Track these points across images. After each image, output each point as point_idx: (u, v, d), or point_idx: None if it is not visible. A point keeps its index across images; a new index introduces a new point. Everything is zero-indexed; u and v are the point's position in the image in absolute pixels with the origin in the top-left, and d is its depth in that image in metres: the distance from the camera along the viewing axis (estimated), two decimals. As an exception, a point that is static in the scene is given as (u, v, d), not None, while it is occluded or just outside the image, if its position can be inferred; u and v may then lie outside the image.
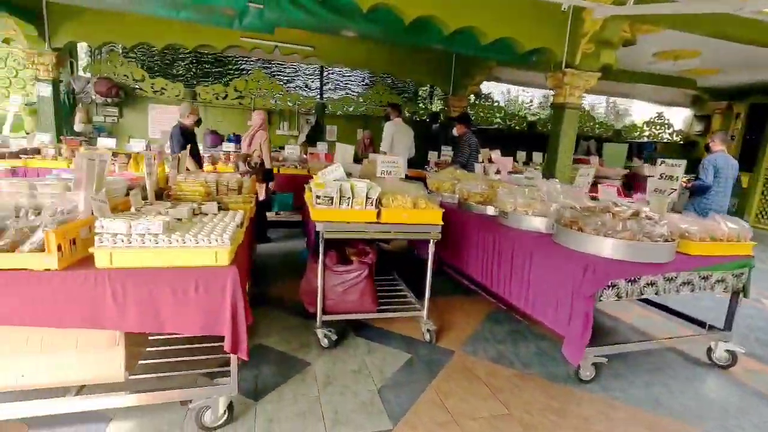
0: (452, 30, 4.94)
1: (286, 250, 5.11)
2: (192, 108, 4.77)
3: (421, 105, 10.84)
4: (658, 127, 11.80)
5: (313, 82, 10.13)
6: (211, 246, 1.84)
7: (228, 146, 6.65)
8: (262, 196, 4.76)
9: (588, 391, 2.57)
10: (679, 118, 11.88)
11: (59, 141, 6.42)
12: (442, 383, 2.54)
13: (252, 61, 9.71)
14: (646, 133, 11.87)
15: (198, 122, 4.97)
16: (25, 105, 7.08)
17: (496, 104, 10.62)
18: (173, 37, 7.52)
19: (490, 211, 3.61)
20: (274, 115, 9.39)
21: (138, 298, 1.77)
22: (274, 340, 2.91)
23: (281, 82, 9.56)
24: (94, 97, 7.92)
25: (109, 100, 8.04)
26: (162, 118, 8.77)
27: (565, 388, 2.59)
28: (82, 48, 8.48)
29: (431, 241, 2.93)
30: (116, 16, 7.12)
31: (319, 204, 2.71)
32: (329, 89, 10.32)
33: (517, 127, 10.91)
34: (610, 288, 2.42)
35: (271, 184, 5.04)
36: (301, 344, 2.88)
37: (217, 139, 8.47)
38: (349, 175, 3.21)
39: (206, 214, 2.39)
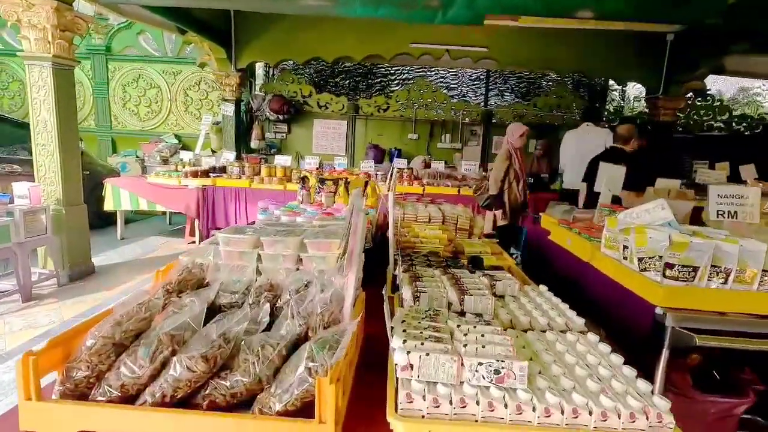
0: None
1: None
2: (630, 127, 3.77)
3: (609, 108, 8.93)
4: None
5: (478, 88, 9.07)
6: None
7: (400, 162, 5.96)
8: (487, 229, 3.79)
9: None
10: None
11: (239, 158, 6.52)
12: None
13: (413, 70, 9.09)
14: None
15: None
16: (213, 124, 7.48)
17: (717, 104, 8.14)
18: (342, 50, 7.25)
19: None
20: (436, 127, 8.58)
21: None
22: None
23: (444, 90, 8.72)
24: (268, 114, 8.10)
25: (280, 116, 8.15)
26: (325, 133, 8.67)
27: None
28: (259, 68, 8.85)
29: None
30: (292, 33, 7.12)
31: (672, 279, 1.53)
32: (494, 95, 9.14)
33: (747, 132, 8.22)
34: None
35: (498, 213, 4.05)
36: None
37: (380, 154, 7.98)
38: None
39: (502, 296, 1.40)
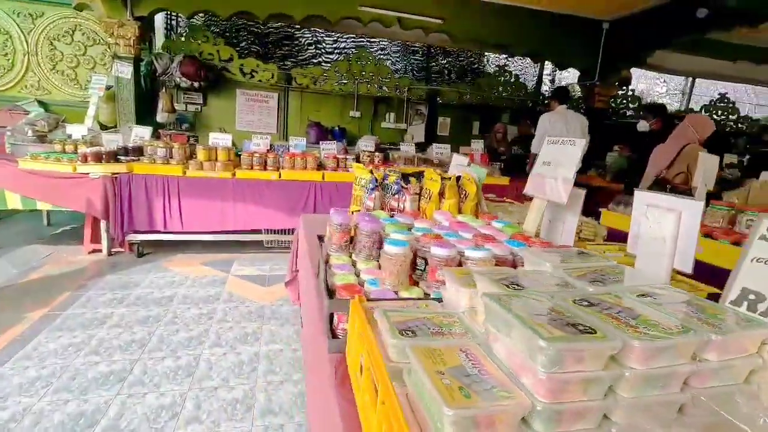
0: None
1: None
2: None
3: (545, 93, 9.13)
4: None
5: (421, 65, 8.49)
6: None
7: (366, 143, 5.09)
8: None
9: None
10: None
11: (156, 136, 4.94)
12: None
13: (353, 39, 8.11)
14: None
15: None
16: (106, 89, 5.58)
17: (630, 93, 8.87)
18: (280, 6, 5.97)
19: None
20: (381, 105, 7.81)
21: None
22: None
23: (389, 64, 7.95)
24: (178, 79, 6.40)
25: (194, 83, 6.53)
26: (251, 106, 7.26)
27: None
28: (159, 20, 6.94)
29: None
30: (213, -22, 5.61)
31: None
32: (435, 74, 8.67)
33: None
34: None
35: None
36: None
37: (321, 133, 6.94)
38: None
39: None
